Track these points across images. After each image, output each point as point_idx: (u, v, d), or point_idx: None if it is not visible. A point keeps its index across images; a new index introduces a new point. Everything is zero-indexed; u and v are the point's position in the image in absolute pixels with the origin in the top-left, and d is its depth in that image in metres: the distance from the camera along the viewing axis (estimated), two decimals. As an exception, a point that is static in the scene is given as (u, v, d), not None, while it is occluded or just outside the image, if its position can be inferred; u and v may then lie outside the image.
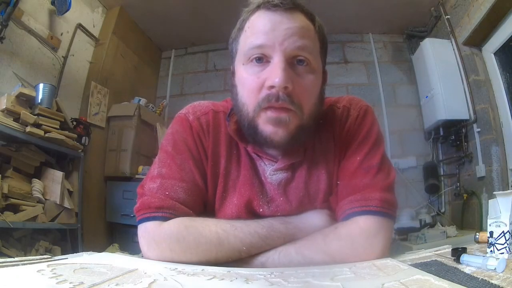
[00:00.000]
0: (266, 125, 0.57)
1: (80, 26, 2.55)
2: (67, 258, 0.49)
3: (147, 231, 0.57)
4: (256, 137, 0.59)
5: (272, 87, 0.55)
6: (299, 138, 0.59)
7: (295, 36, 0.56)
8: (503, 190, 0.66)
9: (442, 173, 2.91)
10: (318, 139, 0.67)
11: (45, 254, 1.66)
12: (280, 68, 0.54)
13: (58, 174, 1.94)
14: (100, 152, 2.65)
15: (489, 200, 0.57)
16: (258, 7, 0.59)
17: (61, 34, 2.39)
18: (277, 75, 0.54)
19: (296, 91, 0.56)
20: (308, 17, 0.60)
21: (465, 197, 2.49)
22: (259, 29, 0.57)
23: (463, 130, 2.57)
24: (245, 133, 0.62)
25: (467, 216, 2.49)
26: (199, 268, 0.48)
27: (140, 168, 2.63)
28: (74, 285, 0.32)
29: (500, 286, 0.36)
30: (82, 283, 0.33)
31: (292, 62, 0.57)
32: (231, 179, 0.66)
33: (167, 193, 0.60)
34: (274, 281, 0.41)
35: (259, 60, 0.57)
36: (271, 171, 0.65)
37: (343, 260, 0.53)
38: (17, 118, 1.75)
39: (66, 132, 2.03)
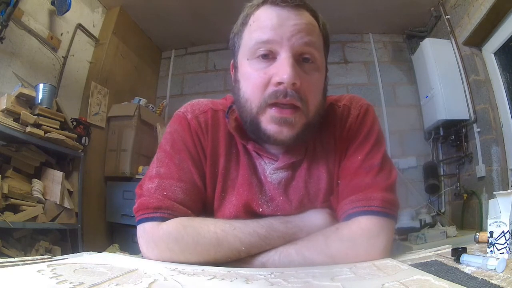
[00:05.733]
0: (270, 124, 0.56)
1: (80, 26, 2.55)
2: (67, 258, 0.49)
3: (145, 232, 0.57)
4: (258, 134, 0.59)
5: (280, 83, 0.54)
6: (303, 136, 0.59)
7: (302, 33, 0.56)
8: (503, 190, 0.66)
9: (442, 173, 2.91)
10: (318, 138, 0.66)
11: (45, 254, 1.66)
12: (288, 65, 0.54)
13: (58, 174, 1.94)
14: (100, 152, 2.65)
15: (489, 200, 0.57)
16: (264, 2, 0.59)
17: (61, 34, 2.39)
18: (285, 72, 0.53)
19: (304, 88, 0.55)
20: (313, 14, 0.60)
21: (465, 197, 2.49)
22: (266, 24, 0.57)
23: (463, 130, 2.57)
24: (247, 130, 0.62)
25: (467, 216, 2.49)
26: (199, 268, 0.48)
27: (140, 168, 2.63)
28: (74, 285, 0.32)
29: (500, 286, 0.35)
30: (82, 283, 0.33)
31: (299, 60, 0.57)
32: (230, 179, 0.65)
33: (165, 193, 0.59)
34: (274, 281, 0.41)
35: (265, 56, 0.57)
36: (271, 170, 0.64)
37: (345, 261, 0.53)
38: (17, 118, 1.75)
39: (66, 132, 2.02)
